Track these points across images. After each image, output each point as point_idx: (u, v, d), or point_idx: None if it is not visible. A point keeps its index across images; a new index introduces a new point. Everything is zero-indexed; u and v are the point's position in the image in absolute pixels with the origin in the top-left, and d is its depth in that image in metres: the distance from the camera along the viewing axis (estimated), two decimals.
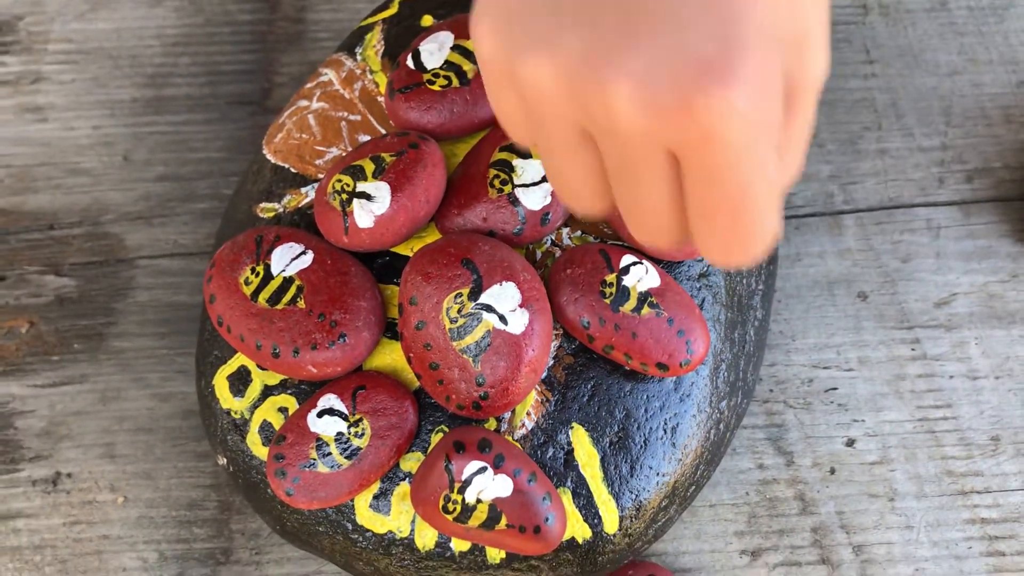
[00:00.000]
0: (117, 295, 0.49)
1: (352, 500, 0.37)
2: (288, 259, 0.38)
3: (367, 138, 0.42)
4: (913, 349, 0.48)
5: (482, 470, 0.34)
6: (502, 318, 0.35)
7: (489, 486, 0.34)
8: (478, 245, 0.36)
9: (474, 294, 0.35)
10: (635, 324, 0.37)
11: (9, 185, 0.52)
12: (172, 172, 0.53)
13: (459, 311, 0.35)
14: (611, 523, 0.37)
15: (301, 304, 0.37)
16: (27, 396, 0.47)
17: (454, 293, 0.35)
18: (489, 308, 0.35)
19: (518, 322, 0.35)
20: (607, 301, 0.37)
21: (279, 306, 0.37)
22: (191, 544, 0.44)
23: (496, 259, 0.36)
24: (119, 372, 0.48)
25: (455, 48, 0.40)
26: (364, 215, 0.37)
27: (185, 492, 0.45)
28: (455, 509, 0.35)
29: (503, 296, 0.35)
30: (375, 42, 0.44)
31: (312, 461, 0.36)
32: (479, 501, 0.34)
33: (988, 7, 0.57)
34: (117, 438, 0.46)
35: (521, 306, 0.35)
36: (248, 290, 0.37)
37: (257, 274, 0.37)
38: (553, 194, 0.38)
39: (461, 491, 0.34)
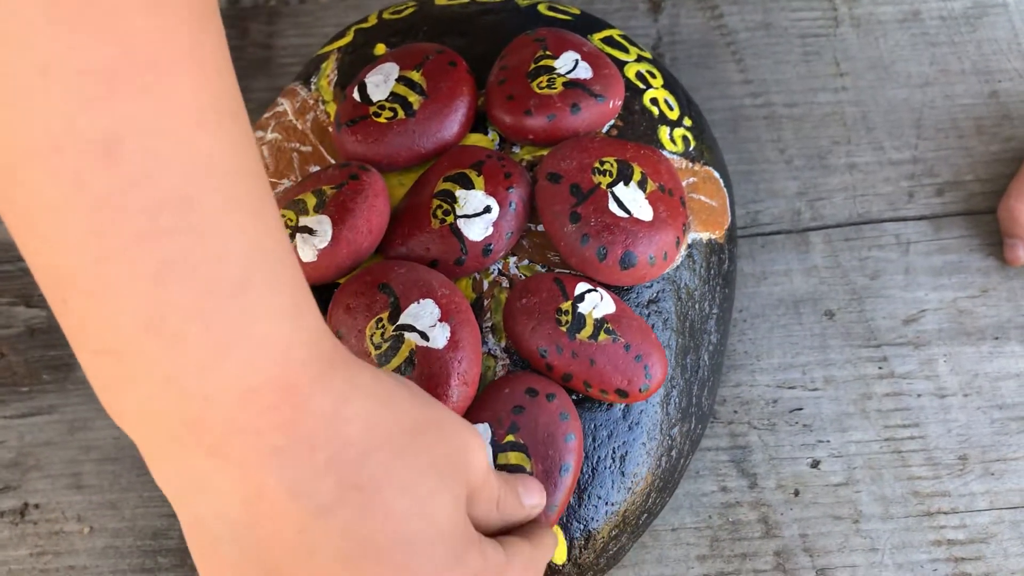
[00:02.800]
0: None
1: None
2: None
3: (317, 169, 0.42)
4: (880, 367, 0.47)
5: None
6: (423, 335, 0.35)
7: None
8: (394, 270, 0.36)
9: (393, 316, 0.35)
10: (592, 351, 0.36)
11: None
12: None
13: (382, 336, 0.35)
14: (560, 554, 0.37)
15: None
16: None
17: (375, 319, 0.35)
18: (409, 328, 0.35)
19: (440, 336, 0.35)
20: (563, 329, 0.37)
21: None
22: (155, 573, 0.44)
23: (412, 279, 0.36)
24: (86, 402, 0.48)
25: (400, 79, 0.40)
26: (307, 250, 0.37)
27: (150, 521, 0.45)
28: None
29: (422, 313, 0.35)
30: (329, 71, 0.45)
31: None
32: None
33: (961, 16, 0.57)
34: (84, 468, 0.47)
35: (441, 320, 0.35)
36: None
37: None
38: (495, 224, 0.38)
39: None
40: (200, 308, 0.24)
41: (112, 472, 0.46)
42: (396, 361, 0.35)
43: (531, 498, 0.34)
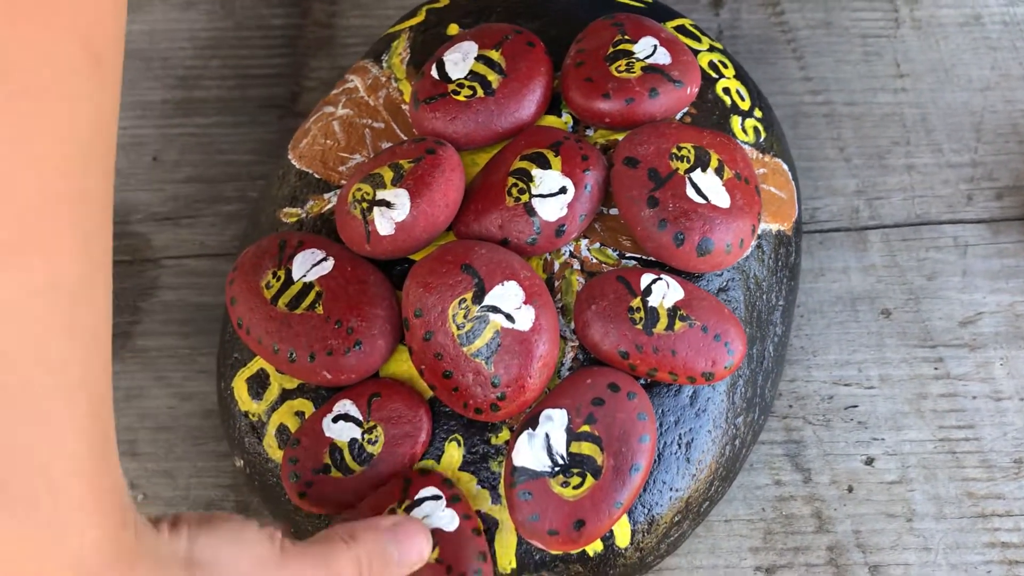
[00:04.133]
0: (143, 294, 0.50)
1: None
2: (309, 265, 0.38)
3: (390, 145, 0.42)
4: (936, 368, 0.47)
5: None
6: (509, 317, 0.35)
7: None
8: (475, 249, 0.36)
9: (478, 297, 0.36)
10: (672, 342, 0.36)
11: None
12: (200, 174, 0.53)
13: (465, 316, 0.35)
14: (623, 537, 0.37)
15: (319, 310, 0.37)
16: None
17: (458, 299, 0.36)
18: (495, 309, 0.35)
19: (525, 318, 0.36)
20: (639, 327, 0.36)
21: (298, 311, 0.37)
22: None
23: (495, 261, 0.36)
24: (142, 370, 0.48)
25: (479, 58, 0.40)
26: (385, 223, 0.37)
27: (204, 491, 0.45)
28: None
29: (507, 295, 0.35)
30: (401, 50, 0.45)
31: (326, 466, 0.36)
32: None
33: (1023, 22, 0.57)
34: (139, 435, 0.47)
35: (525, 303, 0.36)
36: (269, 294, 0.38)
37: (278, 278, 0.38)
38: (570, 206, 0.38)
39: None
40: None
41: (167, 441, 0.47)
42: (480, 342, 0.35)
43: (410, 552, 0.33)
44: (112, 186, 0.26)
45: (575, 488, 0.35)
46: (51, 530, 0.25)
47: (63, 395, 0.24)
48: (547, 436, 0.35)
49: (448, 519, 0.35)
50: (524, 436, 0.35)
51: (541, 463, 0.35)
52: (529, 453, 0.35)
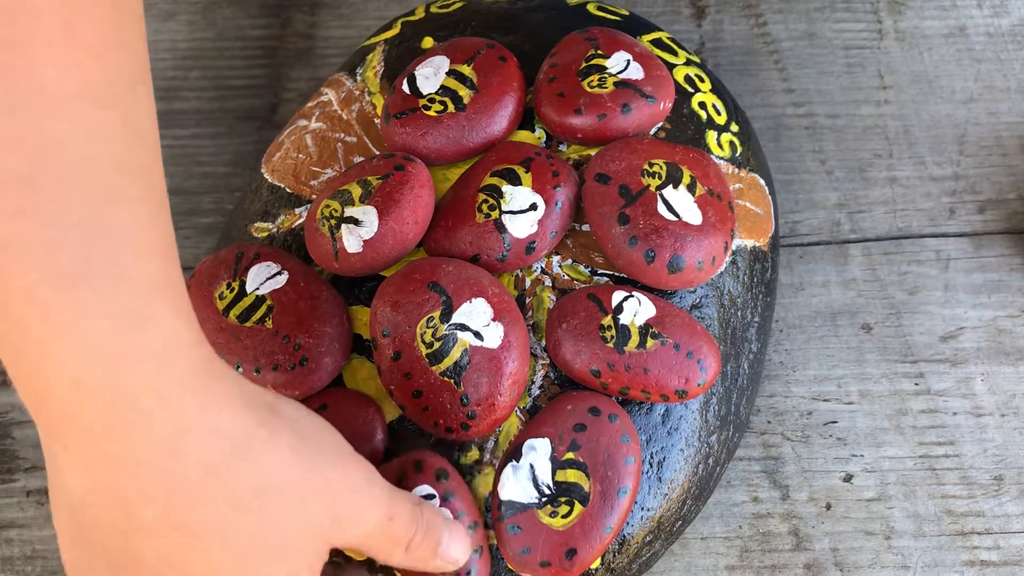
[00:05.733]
0: None
1: None
2: (263, 278, 0.38)
3: (361, 159, 0.42)
4: (917, 384, 0.47)
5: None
6: (477, 334, 0.35)
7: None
8: (442, 267, 0.36)
9: (445, 315, 0.35)
10: (644, 360, 0.36)
11: None
12: (177, 186, 0.53)
13: (433, 334, 0.35)
14: None
15: (269, 324, 0.37)
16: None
17: (426, 317, 0.35)
18: (463, 327, 0.35)
19: (494, 336, 0.35)
20: (611, 345, 0.36)
21: (248, 323, 0.37)
22: None
23: (463, 278, 0.36)
24: None
25: (451, 73, 0.40)
26: (352, 240, 0.37)
27: None
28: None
29: (475, 312, 0.35)
30: (376, 63, 0.44)
31: None
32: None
33: (1008, 34, 0.56)
34: None
35: (494, 320, 0.35)
36: (221, 304, 0.37)
37: (232, 289, 0.38)
38: (540, 223, 0.37)
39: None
40: (36, 294, 0.24)
41: None
42: (448, 360, 0.35)
43: (451, 552, 0.33)
44: None
45: (564, 517, 0.35)
46: (131, 312, 0.25)
47: (130, 181, 0.25)
48: (532, 467, 0.35)
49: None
50: (508, 469, 0.35)
51: (528, 495, 0.35)
52: (515, 485, 0.35)
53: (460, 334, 0.35)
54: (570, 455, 0.35)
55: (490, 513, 0.35)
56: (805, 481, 0.45)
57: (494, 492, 0.35)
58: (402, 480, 0.35)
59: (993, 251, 0.50)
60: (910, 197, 0.52)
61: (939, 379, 0.47)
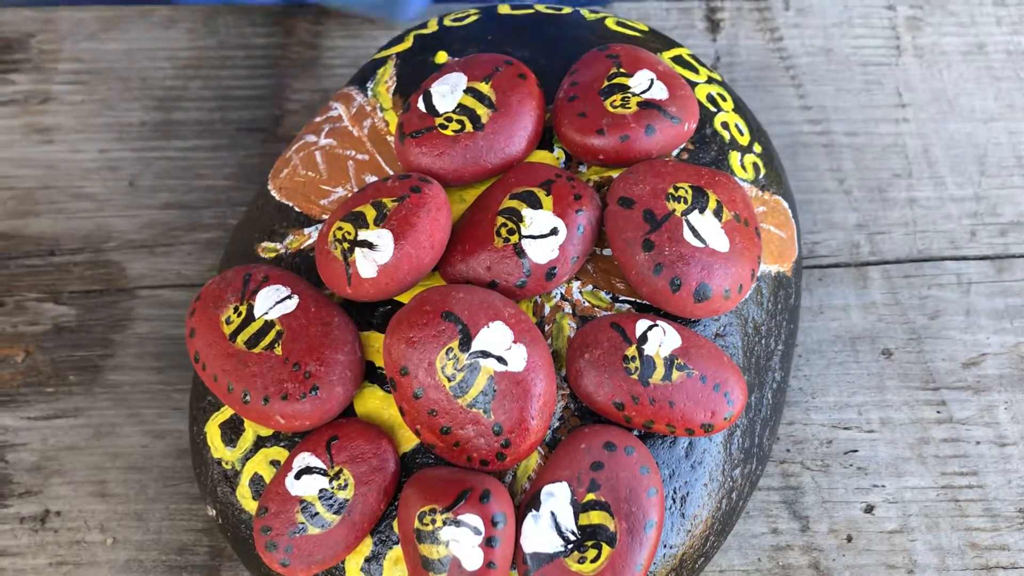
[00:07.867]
0: (116, 326, 0.48)
1: (343, 563, 0.35)
2: (273, 302, 0.36)
3: (374, 179, 0.40)
4: (939, 412, 0.46)
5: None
6: (500, 359, 0.34)
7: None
8: (453, 294, 0.34)
9: (464, 344, 0.34)
10: (670, 392, 0.35)
11: (11, 208, 0.51)
12: (178, 200, 0.51)
13: (455, 366, 0.34)
14: None
15: (278, 350, 0.35)
16: (20, 428, 0.46)
17: (444, 349, 0.34)
18: (485, 353, 0.34)
19: (518, 358, 0.34)
20: (635, 377, 0.35)
21: (256, 349, 0.35)
22: None
23: (476, 303, 0.34)
24: (114, 406, 0.46)
25: (468, 91, 0.39)
26: (367, 264, 0.35)
27: (176, 535, 0.43)
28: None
29: (495, 337, 0.34)
30: (387, 77, 0.43)
31: (301, 525, 0.34)
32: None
33: None
34: (109, 475, 0.45)
35: (515, 342, 0.34)
36: (228, 329, 0.36)
37: (240, 314, 0.36)
38: (561, 248, 0.36)
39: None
40: None
41: (138, 482, 0.45)
42: (474, 391, 0.33)
43: None
44: None
45: (593, 562, 0.33)
46: None
47: None
48: (552, 514, 0.33)
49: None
50: (529, 519, 0.34)
51: (552, 544, 0.33)
52: (538, 536, 0.33)
53: (483, 361, 0.34)
54: (591, 496, 0.33)
55: (515, 568, 0.34)
56: (825, 512, 0.44)
57: (517, 545, 0.33)
58: (459, 498, 0.33)
59: (1015, 275, 0.49)
60: (930, 218, 0.51)
61: (961, 407, 0.46)
